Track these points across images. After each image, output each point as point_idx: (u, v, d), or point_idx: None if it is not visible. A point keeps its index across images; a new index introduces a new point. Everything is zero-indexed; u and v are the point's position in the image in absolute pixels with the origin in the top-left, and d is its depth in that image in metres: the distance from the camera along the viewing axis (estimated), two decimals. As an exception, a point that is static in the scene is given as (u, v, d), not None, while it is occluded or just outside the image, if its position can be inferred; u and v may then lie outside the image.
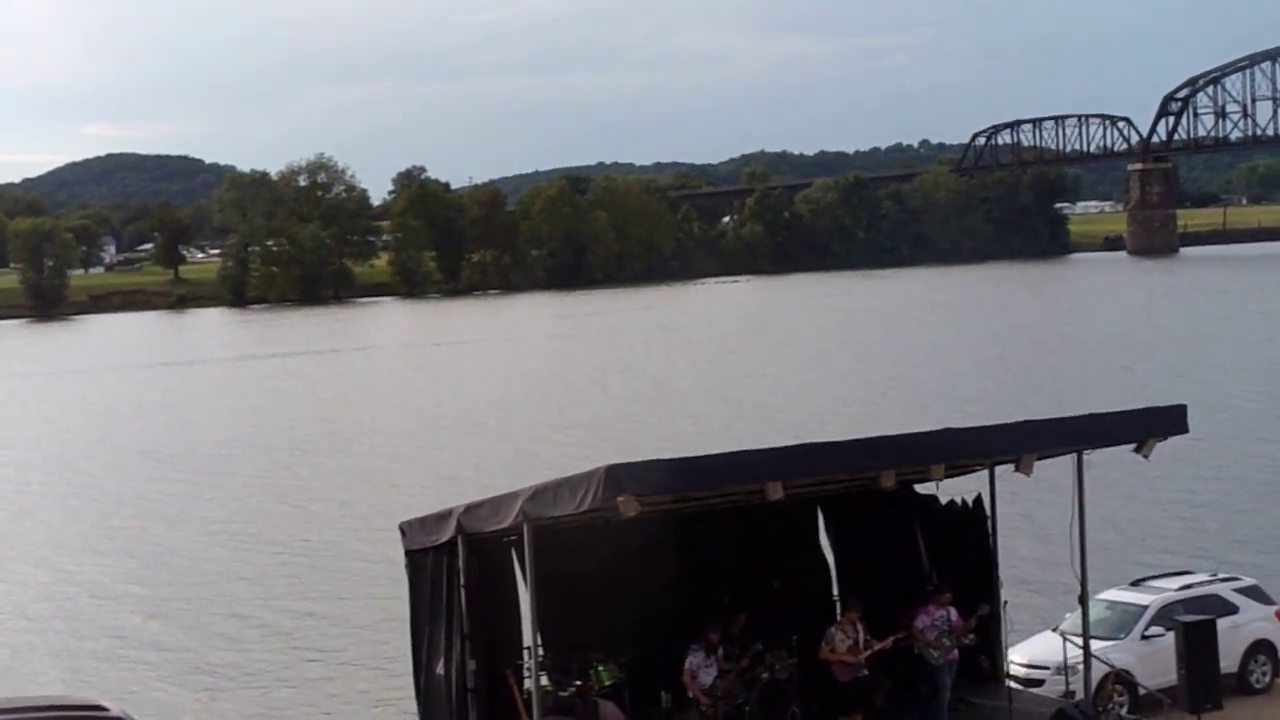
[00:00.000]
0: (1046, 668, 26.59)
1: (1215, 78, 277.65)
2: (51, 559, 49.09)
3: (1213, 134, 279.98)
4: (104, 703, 20.05)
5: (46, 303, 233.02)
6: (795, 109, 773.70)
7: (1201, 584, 28.53)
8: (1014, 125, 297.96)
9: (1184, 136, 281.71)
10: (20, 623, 40.87)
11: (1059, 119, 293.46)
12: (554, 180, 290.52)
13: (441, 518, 21.89)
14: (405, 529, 23.28)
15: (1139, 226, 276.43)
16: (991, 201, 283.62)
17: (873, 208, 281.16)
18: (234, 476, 63.95)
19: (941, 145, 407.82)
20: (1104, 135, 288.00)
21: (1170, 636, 25.12)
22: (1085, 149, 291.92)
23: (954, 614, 23.09)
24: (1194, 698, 23.64)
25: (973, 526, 23.94)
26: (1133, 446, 21.28)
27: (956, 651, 23.16)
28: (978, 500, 23.84)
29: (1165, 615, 26.96)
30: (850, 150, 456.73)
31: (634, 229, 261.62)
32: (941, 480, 21.50)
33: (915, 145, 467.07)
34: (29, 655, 37.59)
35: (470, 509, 20.92)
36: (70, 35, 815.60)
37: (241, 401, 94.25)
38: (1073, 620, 25.69)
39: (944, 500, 24.05)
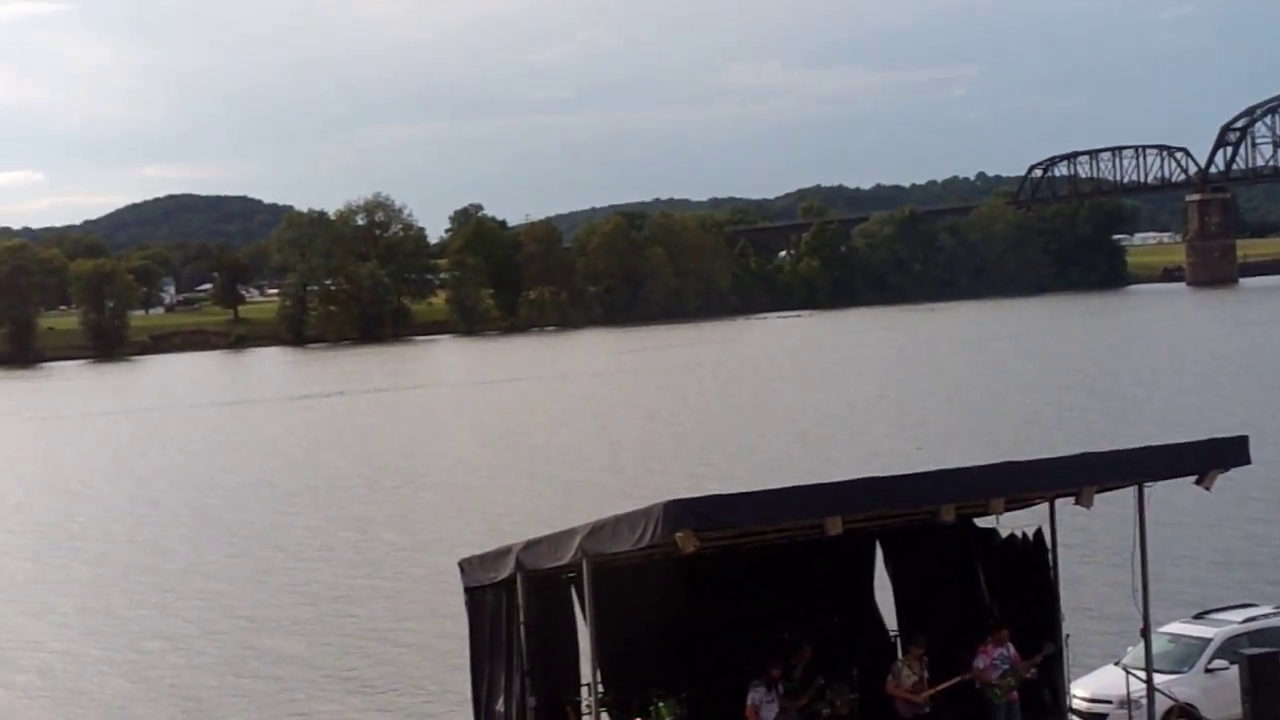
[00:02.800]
0: (1109, 702, 26.39)
1: (1273, 107, 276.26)
2: (106, 597, 49.30)
3: (1271, 163, 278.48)
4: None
5: (108, 343, 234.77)
6: (850, 143, 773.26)
7: (1266, 616, 28.20)
8: (1071, 157, 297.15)
9: (1242, 166, 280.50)
10: (85, 655, 41.06)
11: (1116, 150, 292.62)
12: (610, 216, 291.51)
13: (500, 555, 21.92)
14: (464, 566, 23.32)
15: (1198, 257, 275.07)
16: (1049, 233, 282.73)
17: (930, 241, 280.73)
18: (295, 515, 64.12)
19: (998, 178, 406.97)
20: (1161, 166, 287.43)
21: (1234, 670, 24.90)
22: (1143, 180, 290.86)
23: (1013, 650, 22.95)
24: (1259, 731, 23.42)
25: (1033, 560, 23.76)
26: (1194, 479, 21.14)
27: (1016, 692, 22.99)
28: (1038, 534, 23.67)
29: (1229, 648, 26.70)
30: (906, 184, 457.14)
31: (690, 264, 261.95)
32: (1001, 514, 21.41)
33: (972, 178, 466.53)
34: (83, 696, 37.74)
35: (529, 546, 20.94)
36: (129, 77, 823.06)
37: (301, 440, 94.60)
38: (1135, 654, 25.51)
39: (1004, 534, 23.89)
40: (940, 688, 22.53)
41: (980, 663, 22.82)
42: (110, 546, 59.50)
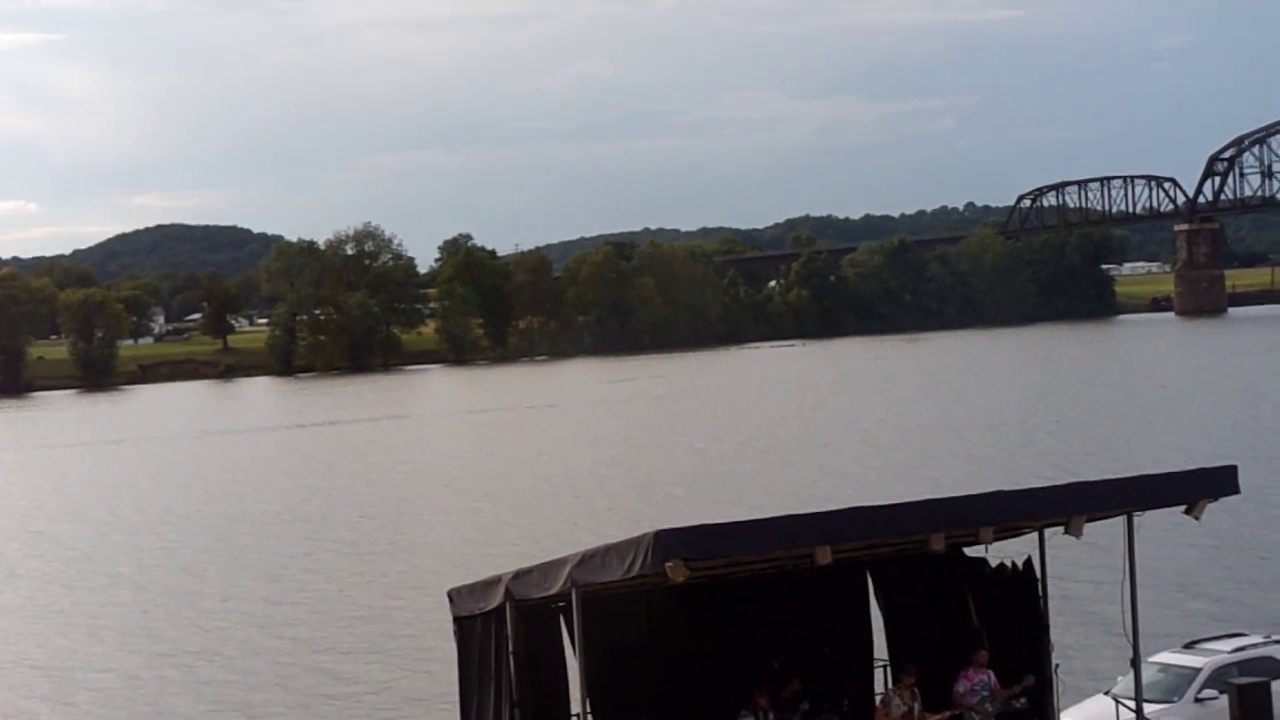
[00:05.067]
0: (1099, 732, 26.38)
1: (1261, 137, 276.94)
2: (100, 622, 49.20)
3: (1259, 193, 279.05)
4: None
5: (96, 373, 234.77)
6: (840, 173, 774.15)
7: (1256, 646, 28.23)
8: (1059, 187, 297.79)
9: (1230, 196, 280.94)
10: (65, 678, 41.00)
11: (1104, 180, 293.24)
12: (600, 246, 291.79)
13: (490, 584, 21.91)
14: (453, 596, 23.29)
15: (1186, 287, 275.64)
16: (1038, 263, 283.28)
17: (919, 271, 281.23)
18: (281, 544, 64.05)
19: (987, 208, 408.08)
20: (1150, 196, 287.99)
21: (1224, 699, 24.91)
22: (1131, 210, 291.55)
23: (993, 678, 22.96)
24: (1249, 761, 23.41)
25: (1023, 589, 23.75)
26: (1183, 508, 21.15)
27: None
28: (1028, 563, 23.67)
29: (1219, 678, 26.71)
30: (896, 214, 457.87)
31: (680, 294, 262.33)
32: (991, 543, 21.42)
33: (960, 208, 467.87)
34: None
35: (519, 575, 20.92)
36: (121, 107, 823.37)
37: (290, 470, 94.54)
38: (1125, 683, 25.51)
39: (994, 563, 23.90)
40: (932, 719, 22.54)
41: (960, 687, 22.83)
42: (142, 572, 59.57)
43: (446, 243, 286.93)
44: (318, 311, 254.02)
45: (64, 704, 39.84)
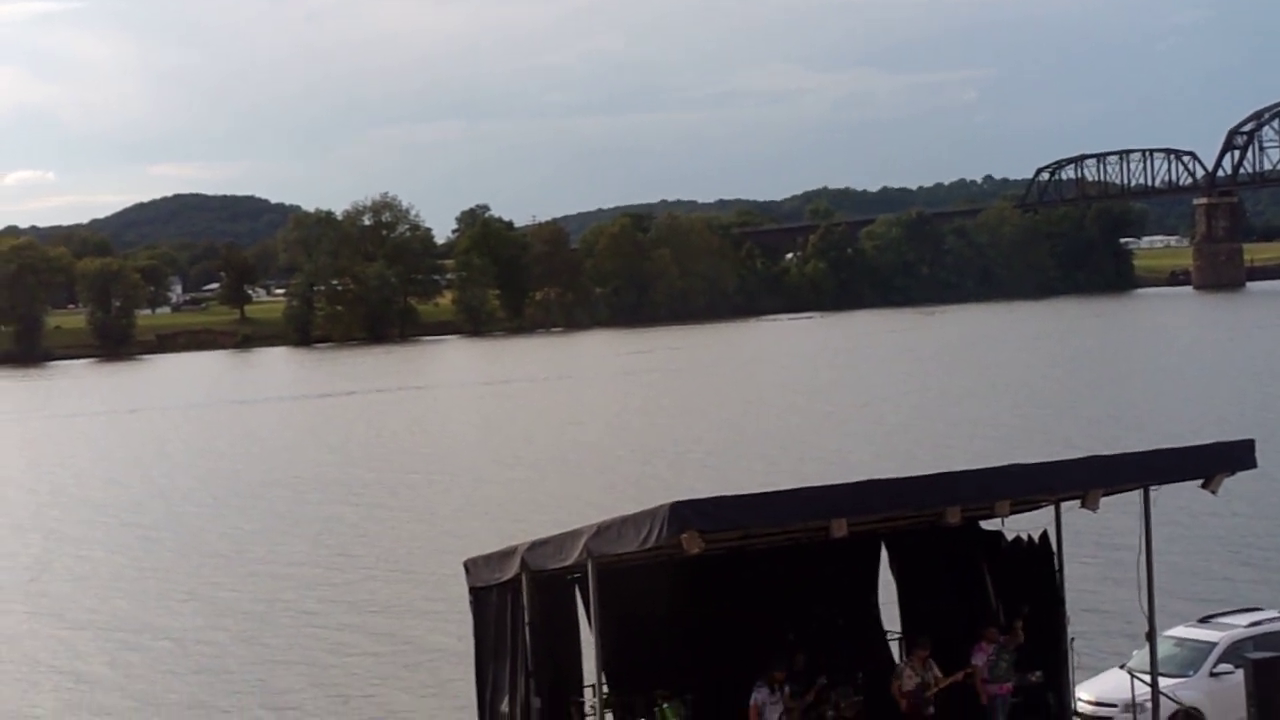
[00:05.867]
0: (1114, 705, 26.39)
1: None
2: (113, 602, 49.37)
3: (1278, 167, 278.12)
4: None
5: (114, 342, 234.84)
6: (859, 145, 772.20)
7: (1271, 620, 28.20)
8: (1078, 160, 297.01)
9: (1249, 170, 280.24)
10: (77, 657, 41.15)
11: (1123, 153, 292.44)
12: (617, 218, 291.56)
13: (506, 555, 21.94)
14: (470, 566, 23.34)
15: (1205, 261, 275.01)
16: (1056, 236, 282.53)
17: (937, 243, 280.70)
18: (300, 513, 64.20)
19: (1005, 180, 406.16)
20: (1169, 169, 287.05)
21: (1240, 674, 24.87)
22: (1150, 183, 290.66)
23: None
24: (1264, 736, 23.38)
25: (1039, 563, 23.74)
26: (1200, 482, 21.11)
27: (1009, 685, 23.00)
28: (1044, 536, 23.64)
29: (1235, 652, 26.71)
30: (914, 186, 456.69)
31: (697, 266, 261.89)
32: (1007, 516, 21.41)
33: (979, 180, 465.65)
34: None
35: (534, 546, 20.95)
36: (139, 76, 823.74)
37: (307, 439, 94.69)
38: (1141, 657, 25.51)
39: (1010, 537, 23.87)
40: (945, 683, 22.55)
41: (978, 659, 22.84)
42: (186, 536, 60.18)
43: (464, 214, 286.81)
44: (335, 282, 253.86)
45: (122, 663, 40.37)
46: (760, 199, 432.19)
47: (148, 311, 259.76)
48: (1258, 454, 21.12)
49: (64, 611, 47.55)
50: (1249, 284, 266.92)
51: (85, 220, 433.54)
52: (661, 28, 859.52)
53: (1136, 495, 21.77)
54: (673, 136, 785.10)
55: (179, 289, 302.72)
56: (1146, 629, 22.76)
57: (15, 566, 56.52)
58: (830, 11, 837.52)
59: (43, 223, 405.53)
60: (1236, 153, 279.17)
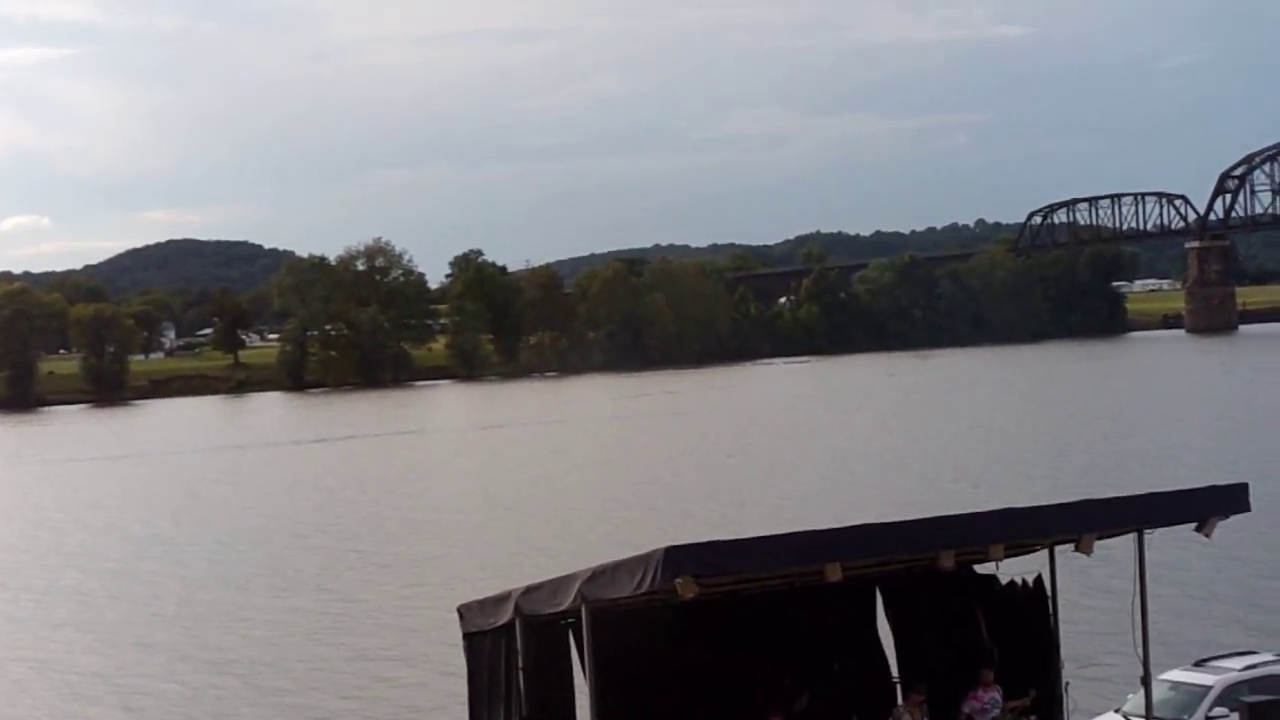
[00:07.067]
0: (1109, 749, 26.35)
1: (1272, 155, 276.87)
2: (104, 644, 49.28)
3: (1270, 211, 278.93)
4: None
5: (107, 388, 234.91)
6: (851, 189, 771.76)
7: (1267, 664, 28.18)
8: (1070, 204, 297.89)
9: (1242, 214, 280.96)
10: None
11: (1115, 197, 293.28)
12: (610, 262, 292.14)
13: (500, 600, 21.90)
14: (463, 611, 23.29)
15: (1197, 304, 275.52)
16: (1049, 280, 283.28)
17: (930, 287, 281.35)
18: (293, 558, 64.12)
19: (998, 225, 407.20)
20: (1161, 213, 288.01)
21: (1235, 718, 24.87)
22: (1142, 227, 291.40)
23: (1000, 694, 22.94)
24: (1260, 780, 23.36)
25: (1033, 607, 23.73)
26: (1194, 525, 21.12)
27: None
28: (1038, 580, 23.64)
29: (1230, 696, 26.66)
30: (906, 230, 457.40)
31: (691, 310, 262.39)
32: (1001, 560, 21.41)
33: (971, 225, 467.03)
34: None
35: (528, 591, 20.91)
36: (131, 122, 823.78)
37: (301, 485, 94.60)
38: (1136, 701, 25.49)
39: (1004, 580, 23.87)
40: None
41: (968, 708, 22.77)
42: (184, 585, 59.72)
43: (457, 258, 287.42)
44: (329, 327, 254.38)
45: (126, 710, 40.15)
46: (753, 243, 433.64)
47: (141, 357, 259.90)
48: (1251, 497, 21.12)
49: (58, 663, 47.31)
50: (1241, 327, 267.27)
51: (79, 266, 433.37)
52: (655, 72, 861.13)
53: (1131, 539, 21.78)
54: (665, 180, 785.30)
55: (172, 334, 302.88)
56: (1141, 673, 22.72)
57: (8, 616, 56.35)
58: (823, 56, 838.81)
59: (36, 268, 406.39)
60: (1228, 196, 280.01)
